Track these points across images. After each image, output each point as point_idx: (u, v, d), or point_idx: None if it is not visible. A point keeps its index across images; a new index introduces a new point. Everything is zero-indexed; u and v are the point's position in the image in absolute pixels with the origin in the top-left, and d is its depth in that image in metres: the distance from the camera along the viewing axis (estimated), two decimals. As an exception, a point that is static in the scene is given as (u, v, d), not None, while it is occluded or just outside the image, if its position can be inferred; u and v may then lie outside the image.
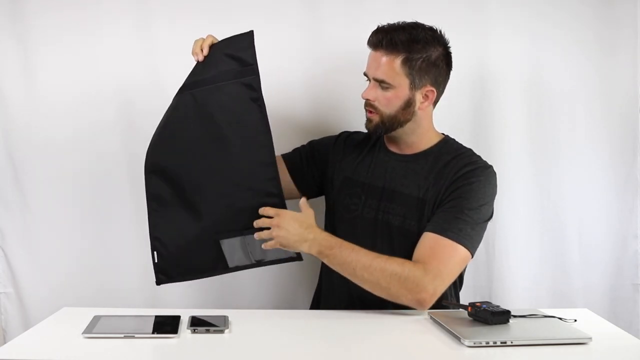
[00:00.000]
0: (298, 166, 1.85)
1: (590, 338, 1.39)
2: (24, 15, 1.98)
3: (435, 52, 1.65)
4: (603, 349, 1.37)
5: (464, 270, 1.74)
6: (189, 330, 1.43)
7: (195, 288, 2.00)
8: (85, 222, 2.02)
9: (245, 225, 1.64)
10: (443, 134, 1.78)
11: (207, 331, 1.43)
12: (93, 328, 1.42)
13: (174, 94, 1.68)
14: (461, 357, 1.33)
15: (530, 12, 2.02)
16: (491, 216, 1.68)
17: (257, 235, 1.61)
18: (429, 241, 1.60)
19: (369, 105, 1.69)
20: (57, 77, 1.99)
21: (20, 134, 2.00)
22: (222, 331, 1.44)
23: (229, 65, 1.65)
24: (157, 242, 1.68)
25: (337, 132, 1.90)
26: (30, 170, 2.01)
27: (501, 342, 1.36)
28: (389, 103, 1.66)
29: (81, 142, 2.01)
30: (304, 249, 1.59)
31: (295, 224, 1.59)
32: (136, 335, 1.39)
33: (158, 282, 1.68)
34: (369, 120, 1.71)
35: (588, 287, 2.09)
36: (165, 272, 1.67)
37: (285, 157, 1.87)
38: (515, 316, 1.49)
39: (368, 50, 1.69)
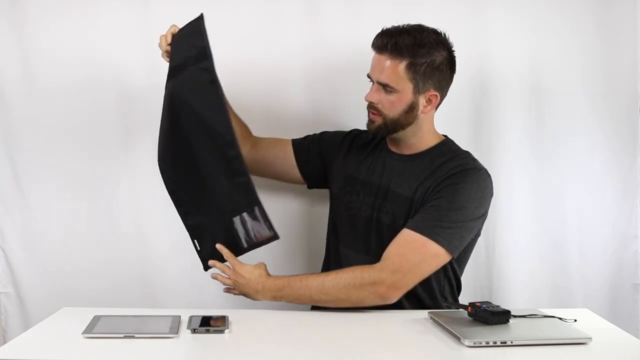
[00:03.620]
0: (304, 154, 1.88)
1: (590, 338, 1.39)
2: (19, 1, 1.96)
3: (439, 57, 1.65)
4: (603, 349, 1.37)
5: (460, 271, 1.75)
6: (189, 330, 1.43)
7: (195, 288, 2.00)
8: (85, 222, 2.02)
9: (232, 208, 1.64)
10: (444, 135, 1.78)
11: (207, 331, 1.43)
12: (93, 328, 1.42)
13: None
14: (461, 357, 1.33)
15: (530, 10, 2.02)
16: (481, 218, 1.67)
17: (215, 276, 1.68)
18: (401, 237, 1.62)
19: (372, 108, 1.70)
20: (56, 68, 1.97)
21: (19, 133, 2.00)
22: (222, 331, 1.44)
23: (190, 51, 1.67)
24: (192, 230, 1.71)
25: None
26: (30, 170, 2.01)
27: (501, 342, 1.36)
28: (392, 106, 1.67)
29: (81, 141, 2.00)
30: (259, 298, 1.64)
31: (244, 280, 1.64)
32: (136, 335, 1.39)
33: (206, 269, 1.70)
34: (371, 122, 1.72)
35: (588, 287, 2.08)
36: (212, 258, 1.69)
37: (294, 142, 1.90)
38: (515, 316, 1.49)
39: (370, 51, 1.69)
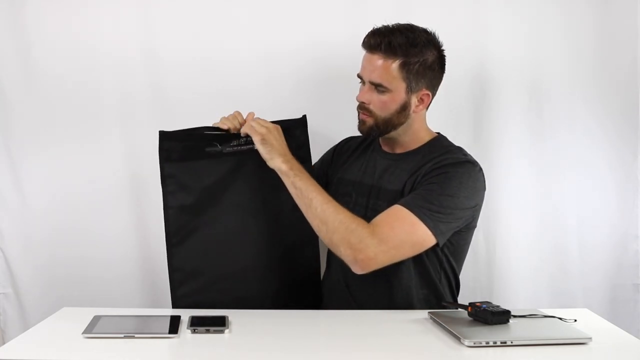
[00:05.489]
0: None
1: (590, 338, 1.39)
2: None
3: (431, 56, 1.65)
4: (603, 349, 1.37)
5: (458, 269, 1.75)
6: (189, 330, 1.43)
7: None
8: (85, 222, 2.02)
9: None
10: (437, 132, 1.78)
11: (207, 331, 1.43)
12: (93, 328, 1.42)
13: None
14: (461, 357, 1.33)
15: (530, 10, 2.02)
16: (470, 209, 1.66)
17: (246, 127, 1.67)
18: (390, 210, 1.60)
19: (362, 108, 1.69)
20: (56, 69, 1.97)
21: (19, 133, 2.00)
22: (222, 331, 1.44)
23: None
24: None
25: (330, 133, 1.91)
26: (30, 170, 2.01)
27: (501, 342, 1.36)
28: (385, 107, 1.66)
29: (81, 141, 2.00)
30: (277, 161, 1.63)
31: (280, 139, 1.66)
32: (136, 335, 1.39)
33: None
34: (362, 123, 1.71)
35: (588, 287, 2.08)
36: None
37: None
38: (515, 316, 1.49)
39: (362, 52, 1.68)
